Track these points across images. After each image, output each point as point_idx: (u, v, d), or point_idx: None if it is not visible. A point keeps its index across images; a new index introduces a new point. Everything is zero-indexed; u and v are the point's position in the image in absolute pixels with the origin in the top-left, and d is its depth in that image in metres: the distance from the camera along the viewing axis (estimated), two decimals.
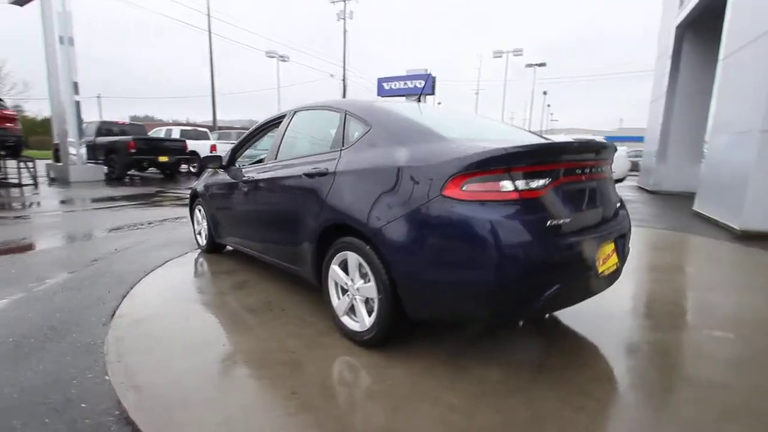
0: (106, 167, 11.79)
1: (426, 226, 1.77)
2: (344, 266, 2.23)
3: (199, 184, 4.16)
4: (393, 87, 32.56)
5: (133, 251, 4.17)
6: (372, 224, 1.94)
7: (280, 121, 3.12)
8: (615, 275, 2.10)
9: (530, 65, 25.87)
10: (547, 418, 1.61)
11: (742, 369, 2.02)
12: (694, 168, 8.70)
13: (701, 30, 8.43)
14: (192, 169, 14.35)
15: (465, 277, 1.69)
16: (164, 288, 3.13)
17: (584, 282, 1.87)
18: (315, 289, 2.96)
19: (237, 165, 3.65)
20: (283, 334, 2.33)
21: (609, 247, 2.02)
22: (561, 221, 1.76)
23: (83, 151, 11.21)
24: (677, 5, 8.70)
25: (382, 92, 33.43)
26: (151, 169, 13.23)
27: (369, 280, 2.05)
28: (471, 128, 2.42)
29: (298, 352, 2.13)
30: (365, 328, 2.10)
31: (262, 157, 4.11)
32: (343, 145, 2.32)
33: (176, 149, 12.50)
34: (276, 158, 2.90)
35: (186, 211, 6.95)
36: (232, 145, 3.69)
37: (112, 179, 11.71)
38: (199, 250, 4.19)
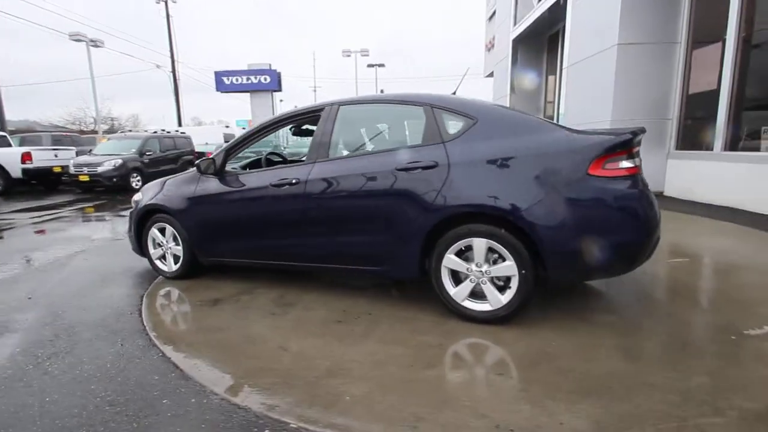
0: None
1: (576, 201, 2.06)
2: (458, 253, 2.32)
3: (156, 197, 3.35)
4: (234, 82, 30.09)
5: (64, 295, 3.12)
6: (515, 208, 2.11)
7: (311, 117, 2.86)
8: None
9: (372, 65, 27.86)
10: (678, 333, 2.14)
11: (710, 277, 2.99)
12: None
13: (531, 42, 10.81)
14: None
15: (615, 239, 2.06)
16: (197, 328, 2.52)
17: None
18: (373, 286, 2.90)
19: (228, 169, 3.13)
20: (404, 335, 2.27)
21: None
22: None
23: None
24: (512, 24, 10.94)
25: (221, 87, 30.50)
26: None
27: (503, 261, 2.21)
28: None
29: (444, 345, 2.15)
30: (500, 305, 2.25)
31: (253, 158, 3.62)
32: (442, 138, 2.37)
33: None
34: (328, 156, 2.67)
35: (65, 236, 5.50)
36: (221, 150, 3.11)
37: None
38: (161, 278, 3.40)
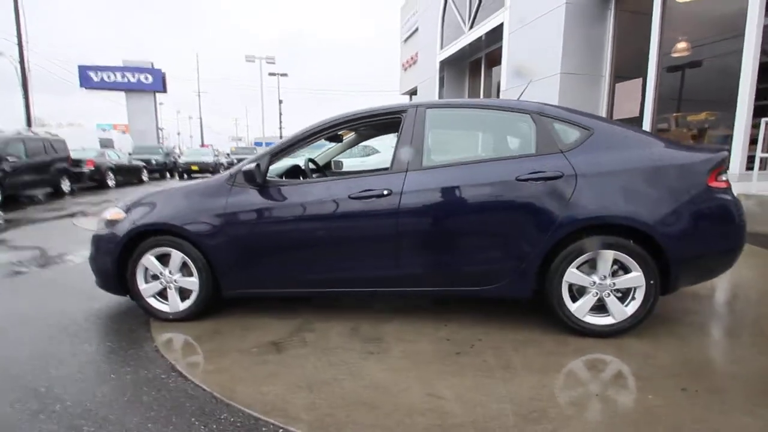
0: None
1: (700, 211, 2.16)
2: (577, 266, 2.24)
3: (155, 213, 2.54)
4: (105, 79, 25.79)
5: (20, 360, 2.14)
6: (650, 219, 2.12)
7: (388, 119, 2.50)
8: None
9: (273, 74, 26.40)
10: None
11: None
12: None
13: (455, 65, 11.59)
14: None
15: (727, 243, 2.21)
16: (293, 384, 1.92)
17: None
18: (445, 308, 2.65)
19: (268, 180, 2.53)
20: (543, 359, 2.06)
21: None
22: None
23: None
24: (438, 48, 11.60)
25: (86, 83, 25.79)
26: None
27: (625, 272, 2.20)
28: None
29: (596, 366, 2.04)
30: (624, 317, 2.21)
31: (290, 164, 3.00)
32: (560, 148, 2.27)
33: None
34: (422, 165, 2.34)
35: None
36: (264, 154, 2.50)
37: None
38: (157, 321, 2.57)
